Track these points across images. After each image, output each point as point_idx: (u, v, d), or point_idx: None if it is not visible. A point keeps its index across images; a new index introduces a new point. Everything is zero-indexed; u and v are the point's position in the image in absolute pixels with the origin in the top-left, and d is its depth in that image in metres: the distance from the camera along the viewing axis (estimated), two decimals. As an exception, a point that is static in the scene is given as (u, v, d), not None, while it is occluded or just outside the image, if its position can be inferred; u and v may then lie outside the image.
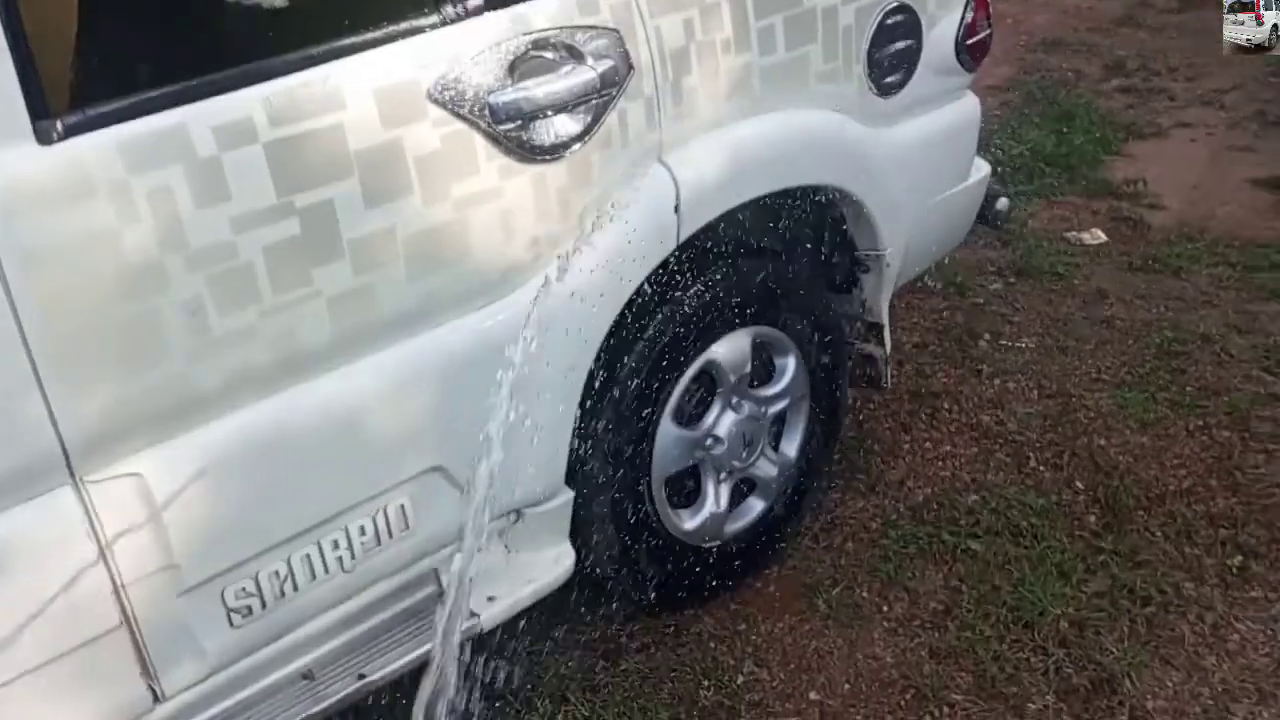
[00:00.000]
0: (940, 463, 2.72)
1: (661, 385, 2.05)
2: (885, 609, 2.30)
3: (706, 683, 2.15)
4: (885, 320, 2.46)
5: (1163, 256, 3.70)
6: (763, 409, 2.27)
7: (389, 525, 1.69)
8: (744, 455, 2.25)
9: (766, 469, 2.33)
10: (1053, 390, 2.95)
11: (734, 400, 2.20)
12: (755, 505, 2.36)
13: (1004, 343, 3.21)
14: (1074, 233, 3.90)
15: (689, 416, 2.17)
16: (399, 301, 1.57)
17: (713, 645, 2.24)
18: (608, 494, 2.02)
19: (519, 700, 2.11)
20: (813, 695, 2.11)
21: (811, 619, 2.29)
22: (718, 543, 2.28)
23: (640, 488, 2.08)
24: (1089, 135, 4.60)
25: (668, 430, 2.10)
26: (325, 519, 1.60)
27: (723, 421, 2.19)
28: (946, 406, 2.91)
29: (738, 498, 2.34)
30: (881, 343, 2.50)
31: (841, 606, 2.31)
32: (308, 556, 1.62)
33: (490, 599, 1.84)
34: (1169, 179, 4.26)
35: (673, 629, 2.28)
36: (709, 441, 2.18)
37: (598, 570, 2.12)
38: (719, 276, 2.08)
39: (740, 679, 2.16)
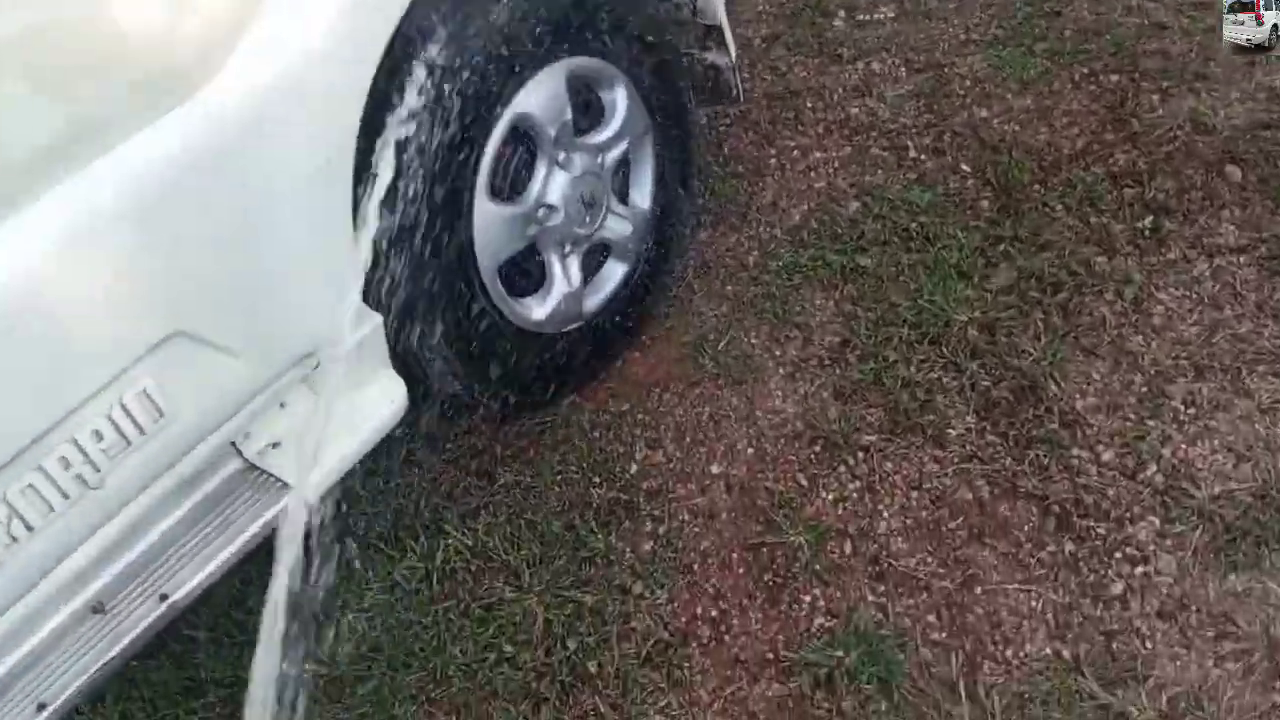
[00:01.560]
0: (813, 173, 2.30)
1: (462, 157, 1.57)
2: (778, 353, 1.95)
3: (597, 479, 1.81)
4: (723, 20, 1.96)
5: (1016, -114, 3.18)
6: (599, 159, 1.80)
7: (134, 419, 1.23)
8: (587, 219, 1.80)
9: (619, 227, 1.89)
10: (921, 63, 2.50)
11: (561, 157, 1.73)
12: (614, 271, 1.94)
13: (861, 17, 2.72)
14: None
15: (510, 188, 1.71)
16: (46, 120, 1.05)
17: (596, 435, 1.88)
18: (427, 304, 1.58)
19: (390, 546, 1.76)
20: (714, 469, 1.79)
21: (701, 381, 1.93)
22: (580, 324, 1.88)
23: (469, 286, 1.64)
24: None
25: (486, 210, 1.63)
26: (32, 440, 1.15)
27: (552, 185, 1.72)
28: (810, 105, 2.47)
29: (593, 267, 1.93)
30: (724, 48, 2.01)
31: (730, 361, 1.95)
32: (31, 487, 1.18)
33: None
34: None
35: (549, 426, 1.90)
36: (541, 212, 1.72)
37: (445, 390, 1.72)
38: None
39: (633, 467, 1.82)
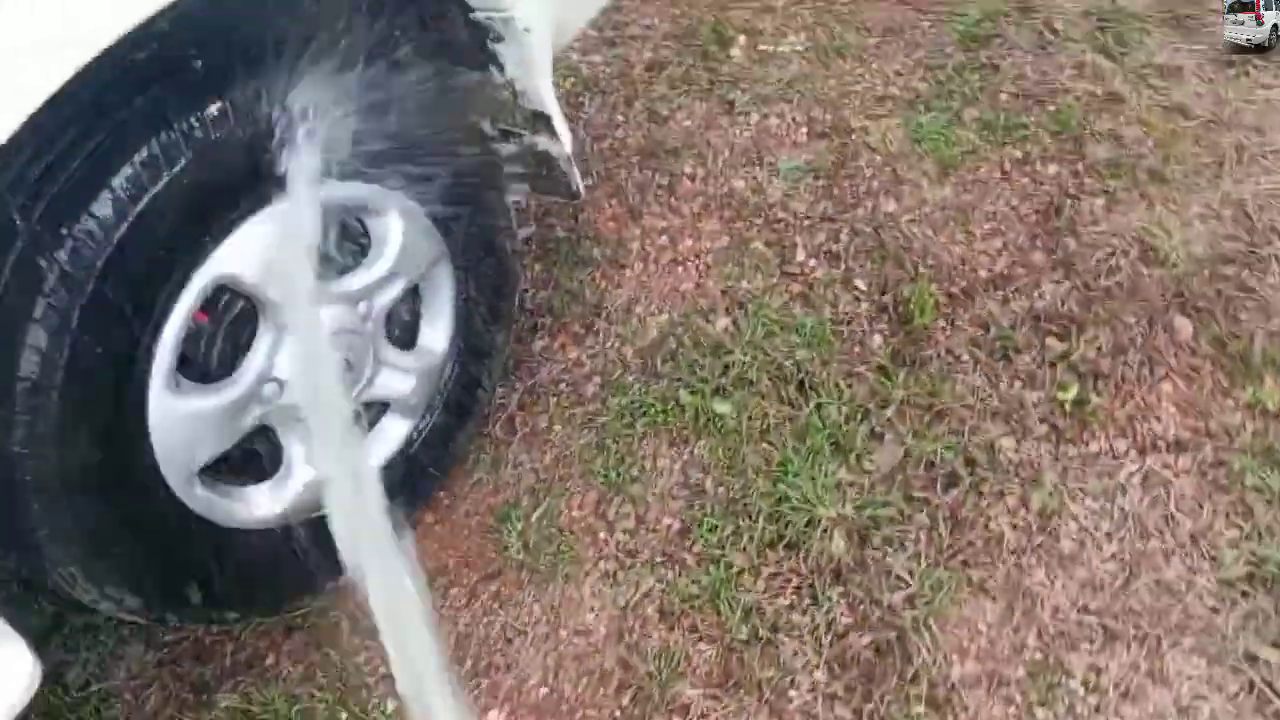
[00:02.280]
0: (681, 268, 1.82)
1: (115, 344, 1.08)
2: (602, 537, 1.51)
3: (345, 716, 1.39)
4: (552, 107, 1.45)
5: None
6: (362, 308, 1.32)
7: None
8: (343, 385, 1.33)
9: (396, 384, 1.41)
10: (826, 124, 2.00)
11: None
12: (393, 430, 1.46)
13: (764, 47, 2.20)
14: None
15: (218, 363, 1.23)
16: None
17: (355, 642, 1.44)
18: (63, 554, 1.11)
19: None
20: (493, 717, 1.37)
21: (501, 571, 1.49)
22: (341, 501, 1.43)
23: (147, 508, 1.17)
24: None
25: (168, 408, 1.14)
26: None
27: (284, 355, 1.24)
28: (689, 170, 1.97)
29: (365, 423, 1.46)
30: (555, 135, 1.51)
31: (541, 542, 1.50)
32: None
33: None
34: None
35: (298, 621, 1.47)
36: (268, 390, 1.24)
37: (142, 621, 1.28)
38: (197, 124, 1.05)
39: (390, 705, 1.39)
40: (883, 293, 1.71)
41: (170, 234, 1.06)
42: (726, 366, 1.65)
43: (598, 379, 1.69)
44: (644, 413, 1.63)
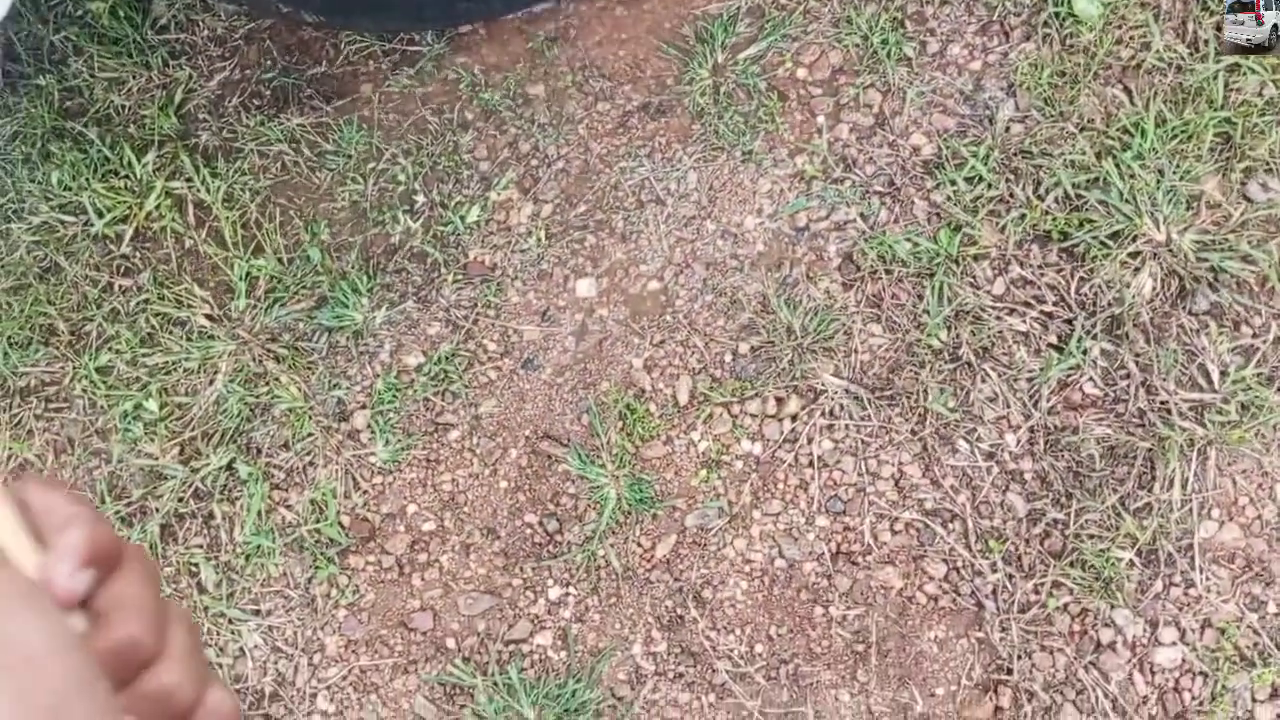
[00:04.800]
0: None
1: None
2: (818, 124, 1.00)
3: (420, 199, 1.06)
4: None
5: None
6: None
7: None
8: None
9: None
10: None
11: None
12: None
13: None
14: None
15: None
16: None
17: (470, 117, 1.07)
18: None
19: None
20: (582, 286, 1.01)
21: (672, 111, 1.03)
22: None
23: None
24: None
25: None
26: None
27: None
28: None
29: None
30: None
31: (739, 92, 1.01)
32: None
33: None
34: None
35: (409, 72, 1.09)
36: None
37: None
38: None
39: (475, 209, 1.05)
40: None
41: None
42: None
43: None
44: None
